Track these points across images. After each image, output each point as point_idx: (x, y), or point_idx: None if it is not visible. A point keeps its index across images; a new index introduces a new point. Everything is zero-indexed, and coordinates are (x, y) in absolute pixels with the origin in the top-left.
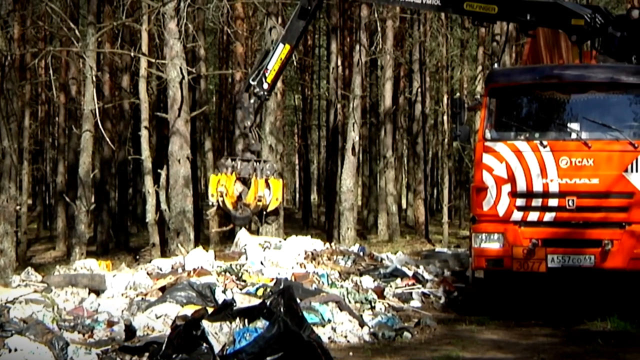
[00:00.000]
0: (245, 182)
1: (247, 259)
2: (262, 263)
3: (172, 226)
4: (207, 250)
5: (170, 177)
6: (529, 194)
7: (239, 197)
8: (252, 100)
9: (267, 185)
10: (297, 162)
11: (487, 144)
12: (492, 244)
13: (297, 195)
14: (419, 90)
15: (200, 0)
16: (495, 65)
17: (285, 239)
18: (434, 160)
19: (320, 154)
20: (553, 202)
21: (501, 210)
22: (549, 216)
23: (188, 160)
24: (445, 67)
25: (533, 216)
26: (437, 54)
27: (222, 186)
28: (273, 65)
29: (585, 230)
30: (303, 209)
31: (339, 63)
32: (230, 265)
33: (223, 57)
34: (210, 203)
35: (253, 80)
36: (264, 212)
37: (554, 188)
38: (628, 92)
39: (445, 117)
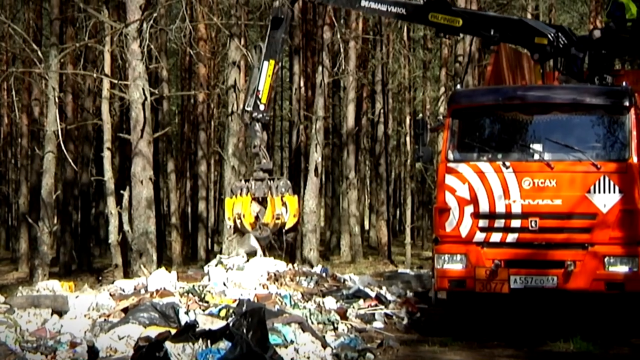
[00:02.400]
0: (261, 201)
1: (209, 280)
2: (224, 284)
3: (135, 247)
4: (169, 271)
5: (132, 198)
6: (492, 215)
7: (257, 218)
8: (254, 124)
9: (283, 203)
10: None
11: (450, 165)
12: (455, 265)
13: None
14: (382, 111)
15: (162, 22)
16: (458, 86)
17: (248, 260)
18: (396, 181)
19: (283, 175)
20: (516, 223)
21: (464, 231)
22: (511, 237)
23: (151, 182)
24: (408, 88)
25: (496, 237)
26: (399, 75)
27: (239, 208)
28: (263, 85)
29: (548, 251)
30: None
31: (302, 84)
32: (193, 286)
33: (186, 78)
34: (228, 226)
35: (248, 106)
36: (283, 230)
37: (516, 209)
38: (591, 113)
39: (407, 138)
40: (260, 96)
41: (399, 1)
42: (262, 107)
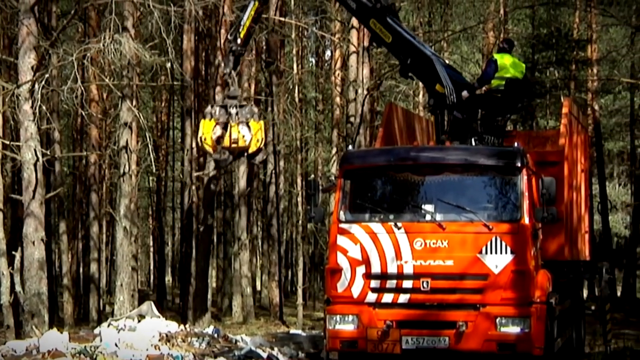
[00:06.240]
0: (226, 126)
1: (101, 340)
2: (116, 345)
3: (27, 308)
4: (61, 332)
5: (24, 259)
6: (384, 276)
7: (218, 141)
8: (229, 54)
9: (248, 128)
10: (151, 244)
11: (342, 225)
12: (347, 326)
13: (152, 277)
14: (273, 172)
15: (54, 82)
16: (350, 146)
17: (140, 321)
18: (288, 242)
19: (174, 236)
20: (407, 284)
21: (355, 291)
22: (403, 298)
23: (43, 243)
24: (300, 148)
25: (387, 298)
26: (288, 136)
27: (201, 132)
28: (245, 22)
29: (440, 311)
30: (157, 290)
31: (194, 145)
32: (85, 347)
33: (77, 139)
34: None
35: (231, 35)
36: (246, 154)
37: (408, 270)
38: (483, 173)
39: (299, 199)
40: (240, 30)
41: None
42: (238, 41)
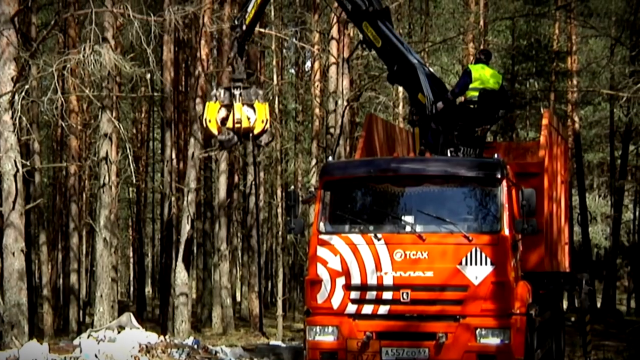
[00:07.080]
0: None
1: (81, 351)
2: (96, 356)
3: (7, 319)
4: (41, 343)
5: (4, 270)
6: (364, 287)
7: (223, 123)
8: (234, 40)
9: (253, 109)
10: (131, 255)
11: (322, 237)
12: (327, 337)
13: (132, 288)
14: (253, 183)
15: (34, 93)
16: (330, 158)
17: (119, 332)
18: (268, 253)
19: (154, 247)
20: (387, 295)
21: (335, 303)
22: (383, 309)
23: (22, 253)
24: (279, 160)
25: (367, 309)
26: (268, 147)
27: (206, 114)
28: (251, 8)
29: (420, 323)
30: (137, 301)
31: (173, 156)
32: (65, 358)
33: (57, 150)
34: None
35: (237, 20)
36: (251, 135)
37: (388, 281)
38: (463, 185)
39: (279, 210)
40: (246, 17)
41: None
42: (243, 27)
